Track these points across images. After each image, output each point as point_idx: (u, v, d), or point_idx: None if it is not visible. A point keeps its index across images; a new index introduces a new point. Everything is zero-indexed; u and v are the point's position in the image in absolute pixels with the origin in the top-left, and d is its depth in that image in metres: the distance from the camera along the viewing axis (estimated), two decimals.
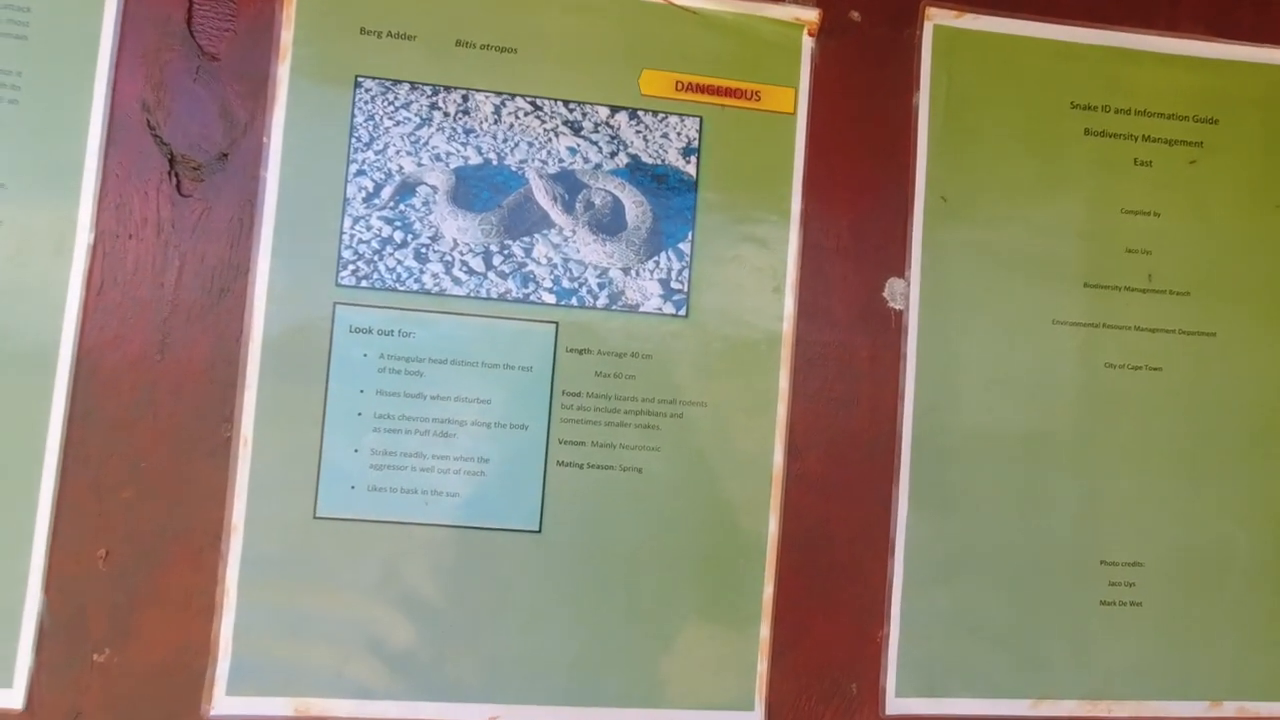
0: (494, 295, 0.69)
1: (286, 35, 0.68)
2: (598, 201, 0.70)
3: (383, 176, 0.68)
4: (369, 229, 0.68)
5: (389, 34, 0.69)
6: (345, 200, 0.68)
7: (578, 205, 0.70)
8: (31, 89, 0.65)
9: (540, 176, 0.69)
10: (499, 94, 0.70)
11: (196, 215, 0.67)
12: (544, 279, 0.69)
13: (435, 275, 0.68)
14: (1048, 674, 0.74)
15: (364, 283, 0.67)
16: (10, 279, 0.64)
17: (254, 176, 0.67)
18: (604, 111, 0.71)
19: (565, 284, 0.69)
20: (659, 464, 0.70)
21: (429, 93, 0.69)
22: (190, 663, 0.65)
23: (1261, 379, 0.77)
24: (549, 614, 0.68)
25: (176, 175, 0.67)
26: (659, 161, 0.71)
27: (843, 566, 0.72)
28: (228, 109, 0.67)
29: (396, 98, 0.69)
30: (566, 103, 0.70)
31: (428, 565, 0.67)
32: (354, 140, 0.68)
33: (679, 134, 0.71)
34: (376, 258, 0.68)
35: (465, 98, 0.69)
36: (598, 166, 0.70)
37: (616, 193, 0.70)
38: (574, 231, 0.69)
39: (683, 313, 0.70)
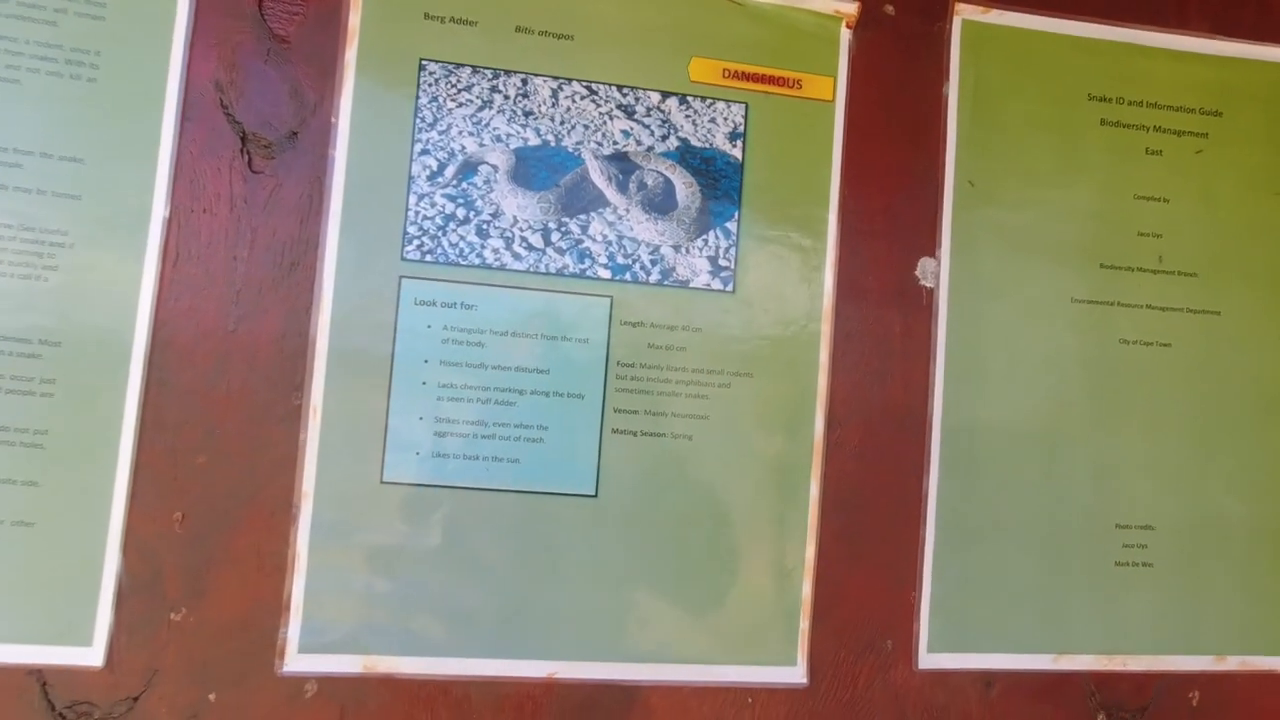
0: (552, 270, 0.72)
1: (354, 19, 0.70)
2: (650, 182, 0.73)
3: (446, 156, 0.71)
4: (433, 206, 0.71)
5: (451, 19, 0.72)
6: (410, 178, 0.71)
7: (631, 185, 0.73)
8: (108, 68, 0.67)
9: (596, 158, 0.73)
10: (556, 78, 0.73)
11: (268, 191, 0.69)
12: (599, 255, 0.73)
13: (496, 250, 0.71)
14: (1067, 630, 0.79)
15: (428, 257, 0.70)
16: (88, 252, 0.66)
17: (323, 155, 0.70)
18: (655, 96, 0.74)
19: (620, 260, 0.73)
20: (708, 432, 0.73)
21: (490, 76, 0.72)
22: (263, 621, 0.68)
23: (1263, 355, 0.83)
24: (604, 575, 0.72)
25: (248, 153, 0.69)
26: (707, 145, 0.75)
27: (878, 530, 0.76)
28: (298, 90, 0.70)
29: (459, 80, 0.72)
30: (620, 87, 0.74)
31: (489, 528, 0.70)
32: (418, 121, 0.71)
33: (726, 119, 0.75)
34: (440, 233, 0.71)
35: (524, 81, 0.73)
36: (650, 149, 0.74)
37: (667, 174, 0.74)
38: (628, 210, 0.73)
39: (730, 288, 0.74)
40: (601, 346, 0.72)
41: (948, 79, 0.79)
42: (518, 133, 0.72)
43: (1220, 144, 0.83)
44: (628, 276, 0.73)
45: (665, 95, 0.74)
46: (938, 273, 0.78)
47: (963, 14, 0.79)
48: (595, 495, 0.72)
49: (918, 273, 0.78)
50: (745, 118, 0.75)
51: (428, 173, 0.71)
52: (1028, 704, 0.78)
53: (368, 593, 0.69)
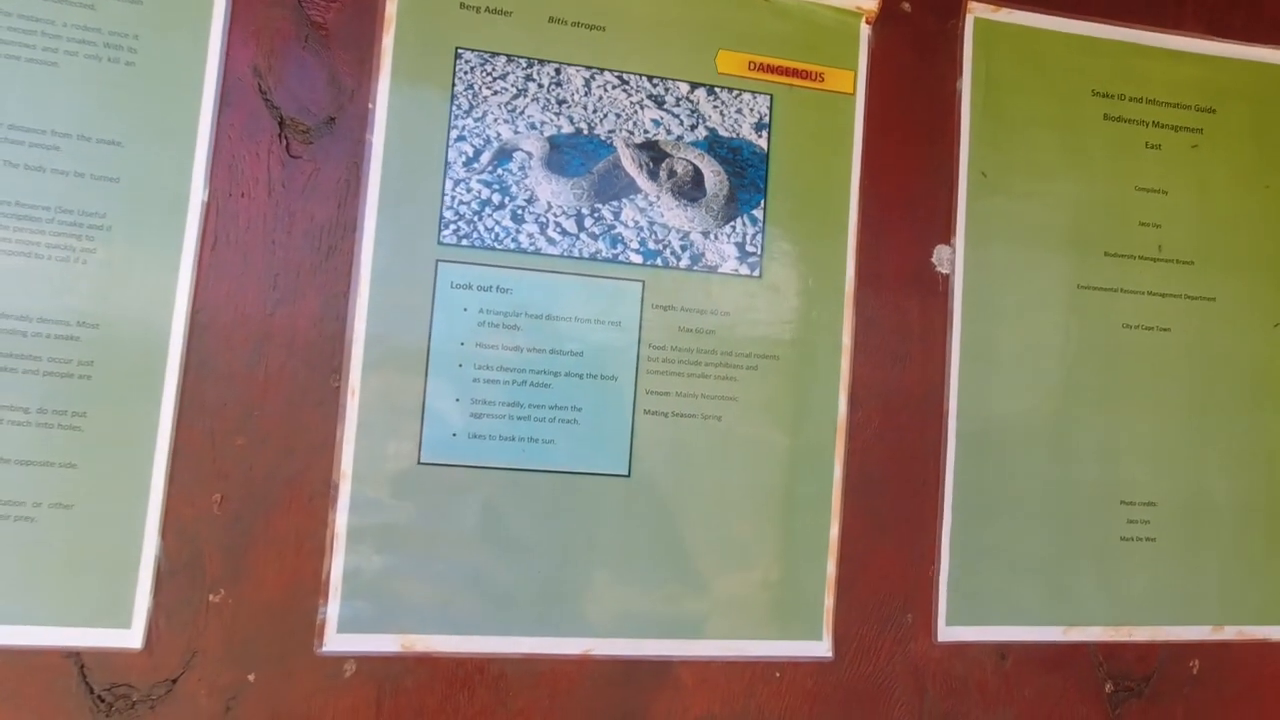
0: (586, 255, 0.74)
1: (391, 8, 0.71)
2: (679, 170, 0.75)
3: (481, 142, 0.72)
4: (469, 191, 0.72)
5: (486, 9, 0.73)
6: (446, 164, 0.72)
7: (661, 173, 0.75)
8: (146, 52, 0.67)
9: (627, 146, 0.75)
10: (589, 68, 0.75)
11: (306, 176, 0.70)
12: (631, 240, 0.74)
13: (531, 235, 0.73)
14: (1076, 603, 0.82)
15: (464, 241, 0.72)
16: (127, 235, 0.66)
17: (360, 140, 0.71)
18: (684, 87, 0.76)
19: (651, 245, 0.75)
20: (736, 413, 0.75)
21: (524, 65, 0.74)
22: (302, 602, 0.68)
23: (1255, 340, 0.87)
24: (636, 553, 0.73)
25: (286, 138, 0.70)
26: (734, 135, 0.77)
27: (898, 508, 0.79)
28: (335, 76, 0.71)
29: (494, 69, 0.73)
30: (650, 78, 0.76)
31: (524, 508, 0.72)
32: (454, 108, 0.72)
33: (752, 110, 0.77)
34: (476, 218, 0.72)
35: (558, 70, 0.74)
36: (679, 138, 0.76)
37: (696, 162, 0.76)
38: (658, 197, 0.75)
39: (757, 274, 0.77)
40: (634, 329, 0.74)
41: (961, 74, 0.82)
42: (551, 120, 0.74)
43: (1214, 139, 0.87)
44: (659, 261, 0.75)
45: (694, 86, 0.77)
46: (953, 260, 0.81)
47: (975, 12, 0.83)
48: (628, 475, 0.73)
49: (934, 260, 0.81)
50: (770, 109, 0.78)
51: (464, 159, 0.72)
52: (1040, 675, 0.81)
53: (405, 572, 0.70)
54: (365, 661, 0.69)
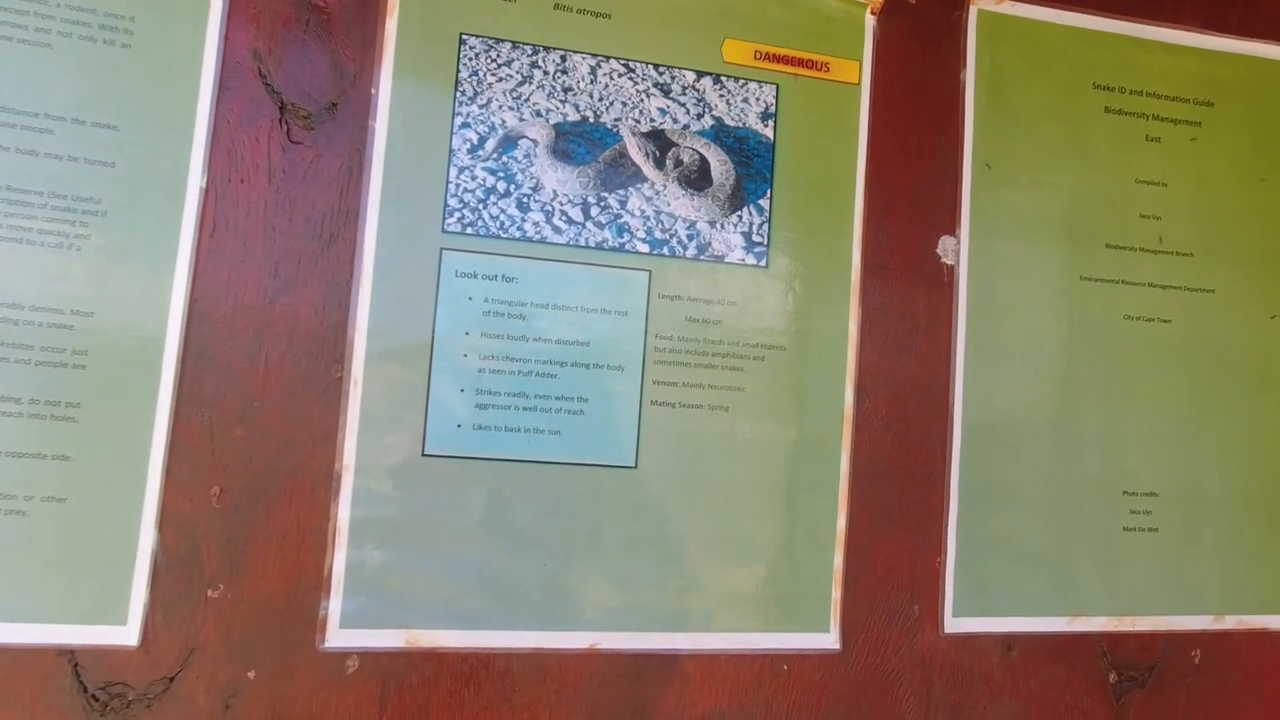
0: (592, 244, 0.73)
1: None
2: (686, 159, 0.75)
3: (486, 129, 0.71)
4: (473, 179, 0.71)
5: None
6: (451, 151, 0.71)
7: (668, 162, 0.74)
8: (143, 34, 0.66)
9: (634, 134, 0.74)
10: (595, 56, 0.74)
11: (307, 162, 0.69)
12: (638, 229, 0.74)
13: (536, 224, 0.72)
14: (1081, 594, 0.82)
15: (469, 230, 0.71)
16: (123, 221, 0.65)
17: (362, 126, 0.70)
18: (690, 76, 0.76)
19: (657, 235, 0.74)
20: (743, 403, 0.75)
21: (529, 52, 0.73)
22: (304, 597, 0.67)
23: (1252, 331, 0.88)
24: (643, 545, 0.72)
25: (287, 123, 0.69)
26: (740, 124, 0.76)
27: (905, 499, 0.79)
28: (337, 61, 0.70)
29: (499, 55, 0.72)
30: (656, 66, 0.75)
31: (530, 500, 0.71)
32: (459, 94, 0.71)
33: (758, 99, 0.77)
34: (481, 206, 0.71)
35: (563, 58, 0.73)
36: (685, 127, 0.75)
37: (703, 151, 0.75)
38: (664, 186, 0.74)
39: (763, 264, 0.76)
40: (640, 319, 0.73)
41: (965, 66, 0.82)
42: (557, 108, 0.73)
43: (1212, 132, 0.88)
44: (665, 251, 0.74)
45: (700, 75, 0.76)
46: (958, 250, 0.81)
47: (978, 4, 0.83)
48: (635, 466, 0.72)
49: (939, 250, 0.81)
50: (776, 99, 0.77)
51: (468, 146, 0.71)
52: (1045, 666, 0.81)
53: (409, 566, 0.68)
54: (368, 657, 0.67)
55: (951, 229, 0.81)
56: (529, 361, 0.71)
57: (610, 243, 0.73)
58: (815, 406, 0.76)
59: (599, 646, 0.71)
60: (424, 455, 0.69)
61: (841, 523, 0.76)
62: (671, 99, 0.75)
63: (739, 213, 0.76)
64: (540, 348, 0.71)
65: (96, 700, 0.63)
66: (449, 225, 0.70)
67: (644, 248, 0.74)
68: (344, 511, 0.67)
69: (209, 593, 0.65)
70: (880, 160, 0.80)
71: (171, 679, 0.64)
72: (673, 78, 0.75)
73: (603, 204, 0.73)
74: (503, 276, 0.71)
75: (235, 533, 0.66)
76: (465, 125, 0.71)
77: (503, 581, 0.70)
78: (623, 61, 0.75)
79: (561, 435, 0.71)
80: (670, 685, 0.73)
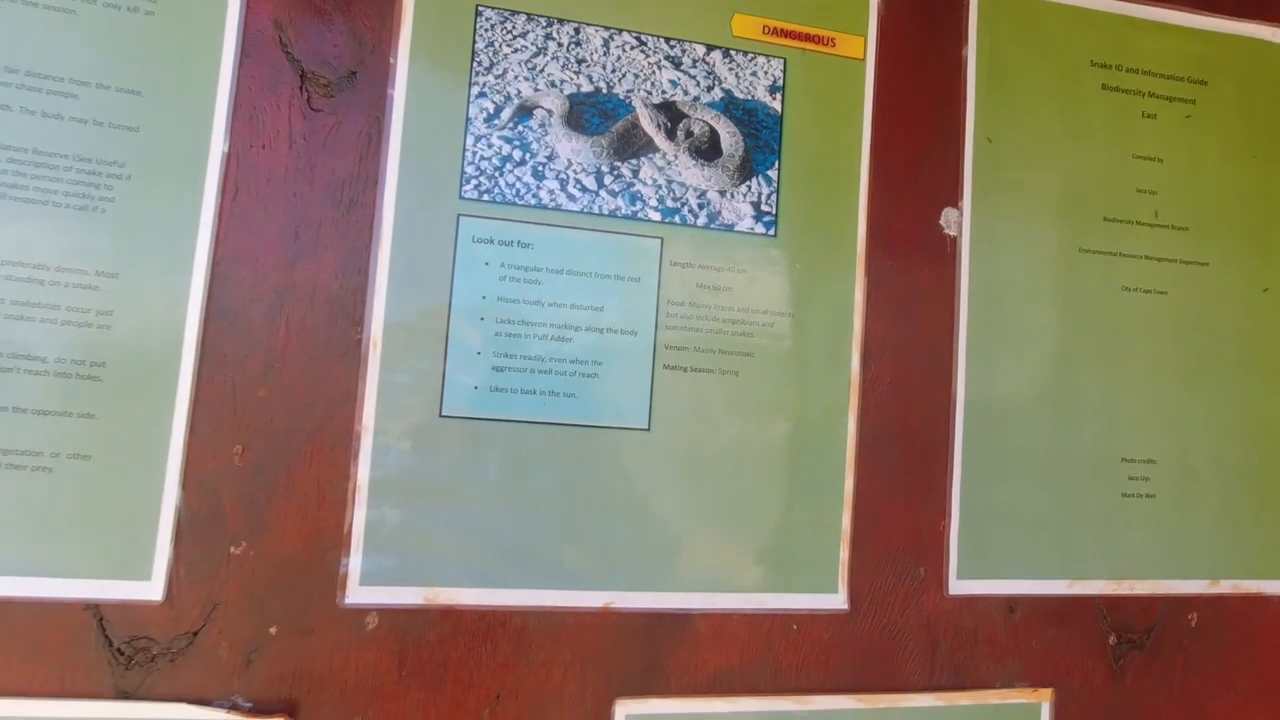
0: (605, 211, 0.74)
1: None
2: (696, 130, 0.77)
3: (502, 99, 0.73)
4: (490, 147, 0.72)
5: None
6: (468, 120, 0.72)
7: (679, 133, 0.76)
8: (166, 2, 0.67)
9: (646, 105, 0.76)
10: (607, 28, 0.76)
11: (327, 129, 0.70)
12: (650, 198, 0.75)
13: (551, 192, 0.73)
14: (1081, 558, 0.84)
15: (485, 197, 0.72)
16: (146, 185, 0.66)
17: (381, 95, 0.71)
18: (700, 49, 0.78)
19: (669, 203, 0.76)
20: (753, 368, 0.77)
21: (544, 24, 0.74)
22: (324, 555, 0.68)
23: (1244, 303, 0.90)
24: (656, 506, 0.74)
25: (307, 91, 0.70)
26: (749, 97, 0.78)
27: (911, 463, 0.80)
28: (356, 30, 0.71)
29: (514, 27, 0.74)
30: (668, 39, 0.77)
31: (545, 461, 0.72)
32: (475, 65, 0.73)
33: (766, 73, 0.79)
34: (497, 174, 0.72)
35: (577, 30, 0.75)
36: (696, 99, 0.77)
37: (713, 123, 0.77)
38: (676, 156, 0.76)
39: (772, 233, 0.78)
40: (653, 286, 0.75)
41: (966, 43, 0.84)
42: (571, 79, 0.75)
43: (1206, 110, 0.91)
44: (677, 219, 0.76)
45: (710, 48, 0.78)
46: (960, 222, 0.83)
47: None
48: (648, 429, 0.74)
49: (942, 222, 0.83)
50: (784, 72, 0.79)
51: (485, 115, 0.72)
52: (1047, 627, 0.83)
53: (427, 525, 0.70)
54: (387, 614, 0.69)
55: (954, 201, 0.83)
56: (544, 326, 0.73)
57: (623, 211, 0.75)
58: (822, 372, 0.78)
59: (613, 605, 0.73)
60: (441, 416, 0.70)
61: (849, 485, 0.78)
62: (682, 71, 0.77)
63: (748, 183, 0.78)
64: (555, 312, 0.73)
65: (121, 654, 0.64)
66: (466, 192, 0.72)
67: (656, 216, 0.75)
68: (363, 471, 0.69)
69: (231, 550, 0.66)
70: (885, 133, 0.82)
71: (195, 634, 0.65)
72: (683, 51, 0.77)
73: (616, 173, 0.75)
74: (518, 243, 0.73)
75: (257, 491, 0.67)
76: (482, 95, 0.73)
77: (519, 541, 0.71)
78: (635, 34, 0.76)
79: (576, 398, 0.73)
80: (682, 644, 0.74)
